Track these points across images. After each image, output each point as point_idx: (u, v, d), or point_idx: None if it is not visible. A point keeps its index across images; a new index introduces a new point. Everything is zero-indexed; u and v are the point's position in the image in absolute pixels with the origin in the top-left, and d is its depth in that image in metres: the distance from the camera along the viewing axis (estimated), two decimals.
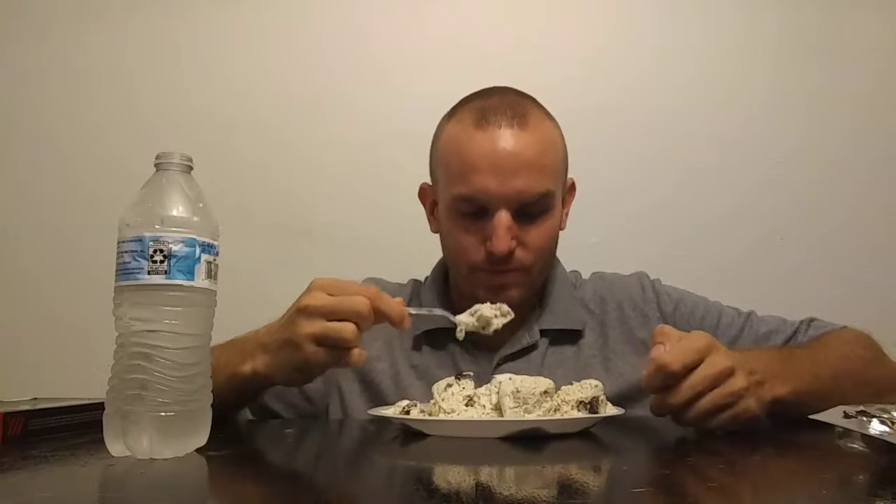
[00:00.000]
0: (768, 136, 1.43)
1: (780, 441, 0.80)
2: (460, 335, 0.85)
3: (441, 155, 1.02)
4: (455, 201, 0.97)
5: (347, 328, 0.74)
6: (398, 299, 0.78)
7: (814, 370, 0.85)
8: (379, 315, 0.76)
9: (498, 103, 0.98)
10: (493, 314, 0.85)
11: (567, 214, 1.08)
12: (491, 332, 0.85)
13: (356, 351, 0.75)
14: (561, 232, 1.12)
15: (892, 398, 0.88)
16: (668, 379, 0.73)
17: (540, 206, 0.97)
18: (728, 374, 0.74)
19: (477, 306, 0.86)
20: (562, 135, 1.04)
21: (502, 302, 0.97)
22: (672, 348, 0.74)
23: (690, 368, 0.73)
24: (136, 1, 1.53)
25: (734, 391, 0.74)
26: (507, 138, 0.95)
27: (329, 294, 0.76)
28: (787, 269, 1.39)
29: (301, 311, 0.76)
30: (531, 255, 0.98)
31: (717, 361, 0.74)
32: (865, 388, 0.88)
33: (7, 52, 1.53)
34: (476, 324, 0.85)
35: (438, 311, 0.86)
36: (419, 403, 0.81)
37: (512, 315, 0.86)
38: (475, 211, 0.96)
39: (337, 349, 0.75)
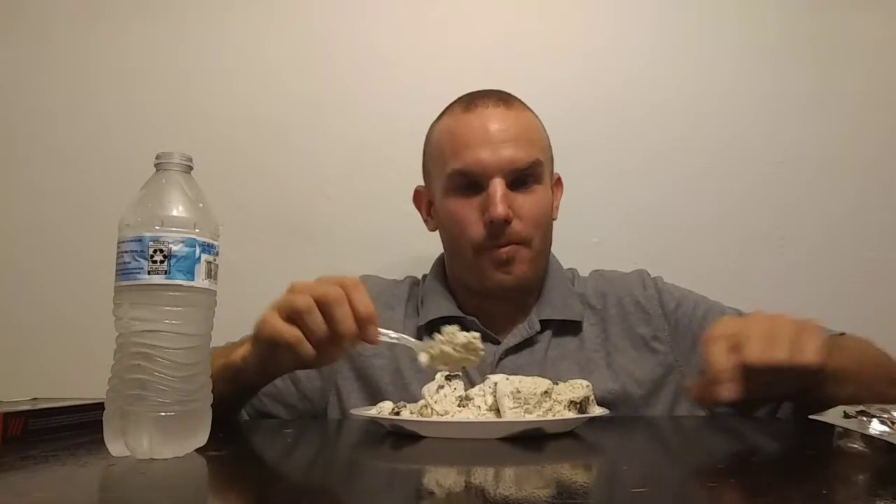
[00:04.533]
0: (768, 137, 1.43)
1: (779, 441, 0.80)
2: (423, 360, 0.79)
3: (434, 147, 1.07)
4: (451, 179, 1.02)
5: (301, 297, 0.73)
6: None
7: (855, 356, 0.85)
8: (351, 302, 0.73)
9: (483, 92, 1.06)
10: (455, 350, 0.78)
11: (557, 208, 1.11)
12: (459, 369, 0.80)
13: (297, 334, 0.73)
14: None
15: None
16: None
17: (531, 175, 1.01)
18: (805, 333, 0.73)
19: (439, 343, 0.79)
20: (543, 126, 1.09)
21: (511, 280, 1.01)
22: (755, 339, 0.71)
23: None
24: (137, 1, 1.53)
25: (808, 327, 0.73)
26: (495, 115, 1.02)
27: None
28: (787, 269, 1.39)
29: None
30: (528, 226, 1.01)
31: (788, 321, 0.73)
32: (886, 377, 0.87)
33: (7, 53, 1.53)
34: (435, 358, 0.78)
35: (404, 340, 0.80)
36: (408, 405, 0.81)
37: (482, 351, 0.80)
38: (471, 186, 1.01)
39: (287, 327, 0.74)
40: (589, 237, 1.40)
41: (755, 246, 1.40)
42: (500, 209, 0.97)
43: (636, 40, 1.46)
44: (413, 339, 0.81)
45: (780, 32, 1.46)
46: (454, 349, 0.78)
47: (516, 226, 1.00)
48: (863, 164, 1.42)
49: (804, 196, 1.41)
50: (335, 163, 1.46)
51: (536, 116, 1.09)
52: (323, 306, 0.73)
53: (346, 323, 0.73)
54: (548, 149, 1.08)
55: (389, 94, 1.46)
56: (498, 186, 0.98)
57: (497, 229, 0.99)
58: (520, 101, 1.08)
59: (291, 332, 0.73)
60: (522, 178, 1.01)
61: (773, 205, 1.41)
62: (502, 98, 1.04)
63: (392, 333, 0.79)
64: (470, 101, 1.05)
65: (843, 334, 0.98)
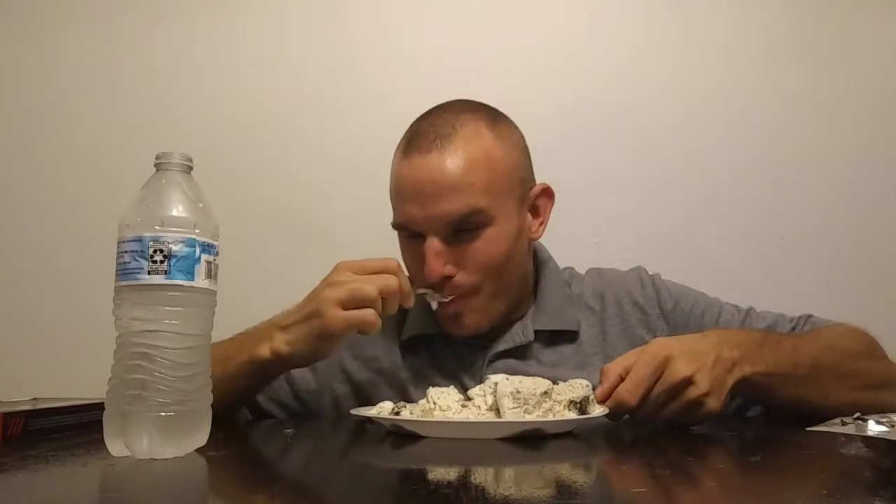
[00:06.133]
0: (768, 136, 1.43)
1: (780, 442, 0.80)
2: (434, 304, 0.94)
3: (389, 182, 1.03)
4: (395, 228, 1.01)
5: (369, 286, 0.81)
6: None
7: (792, 357, 0.86)
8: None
9: (427, 126, 0.97)
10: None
11: (543, 223, 1.05)
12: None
13: (370, 311, 0.81)
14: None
15: (881, 393, 0.89)
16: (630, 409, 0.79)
17: (472, 225, 0.94)
18: (686, 384, 0.78)
19: None
20: (511, 145, 1.00)
21: (466, 331, 0.99)
22: (627, 380, 0.78)
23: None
24: (137, 1, 1.53)
25: (693, 399, 0.78)
26: (426, 165, 0.94)
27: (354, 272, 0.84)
28: (787, 269, 1.39)
29: (328, 283, 0.83)
30: (475, 275, 0.95)
31: (674, 374, 0.78)
32: (849, 380, 0.88)
33: (12, 52, 1.53)
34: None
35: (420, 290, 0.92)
36: (408, 405, 0.81)
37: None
38: (412, 239, 0.98)
39: (357, 311, 0.81)
40: (589, 237, 1.40)
41: (755, 245, 1.40)
42: (431, 272, 0.93)
43: (634, 40, 1.46)
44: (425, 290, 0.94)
45: (779, 29, 1.46)
46: None
47: (460, 278, 0.95)
48: (862, 164, 1.42)
49: (804, 196, 1.41)
50: (335, 163, 1.46)
51: (494, 135, 0.97)
52: (384, 297, 0.82)
53: (395, 307, 0.84)
54: (500, 181, 0.97)
55: (390, 93, 1.46)
56: (430, 246, 0.93)
57: (436, 286, 0.95)
58: (470, 125, 0.96)
59: (370, 314, 0.81)
60: (463, 227, 0.94)
61: (772, 204, 1.41)
62: (441, 135, 0.94)
63: (420, 289, 0.92)
64: (408, 142, 0.97)
65: (840, 324, 0.99)
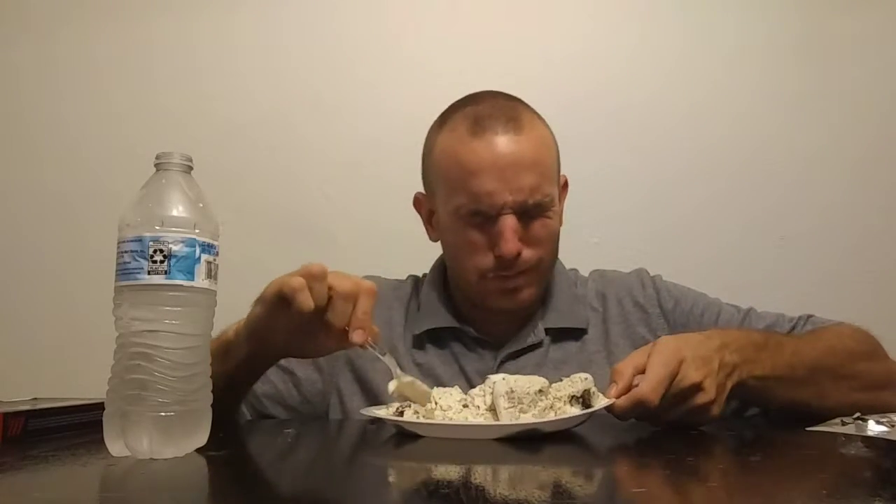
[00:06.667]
0: (767, 135, 1.43)
1: (779, 442, 0.80)
2: (391, 386, 0.80)
3: (438, 166, 1.02)
4: (459, 210, 0.98)
5: (318, 267, 0.74)
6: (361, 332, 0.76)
7: (790, 360, 0.86)
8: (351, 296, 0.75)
9: (490, 109, 0.99)
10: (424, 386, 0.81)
11: (562, 211, 1.08)
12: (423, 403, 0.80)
13: (297, 278, 0.73)
14: (562, 231, 1.12)
15: (881, 394, 0.89)
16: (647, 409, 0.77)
17: (541, 203, 0.98)
18: (696, 390, 0.78)
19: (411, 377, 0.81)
20: (552, 134, 1.05)
21: (517, 305, 1.01)
22: (645, 378, 0.77)
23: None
24: (138, 1, 1.53)
25: (700, 405, 0.78)
26: (504, 143, 0.96)
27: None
28: (787, 269, 1.39)
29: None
30: (537, 252, 0.99)
31: (686, 379, 0.78)
32: (849, 381, 0.89)
33: (13, 52, 1.53)
34: (408, 392, 0.81)
35: (388, 359, 0.81)
36: (412, 404, 0.81)
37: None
38: (480, 218, 0.97)
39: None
40: (590, 237, 1.40)
41: (755, 245, 1.41)
42: (511, 248, 0.95)
43: (634, 39, 1.46)
44: (395, 364, 0.81)
45: (779, 29, 1.46)
46: (423, 387, 0.80)
47: (526, 254, 0.97)
48: (862, 163, 1.42)
49: (804, 195, 1.42)
50: (335, 162, 1.46)
51: (543, 123, 1.03)
52: (332, 292, 0.74)
53: (341, 318, 0.75)
54: (557, 163, 1.04)
55: (390, 93, 1.46)
56: (509, 222, 0.95)
57: (507, 262, 0.97)
58: (527, 112, 1.01)
59: (298, 280, 0.74)
60: (532, 209, 0.97)
61: (772, 204, 1.42)
62: (511, 118, 0.98)
63: (379, 352, 0.80)
64: (476, 122, 0.98)
65: (841, 323, 0.99)
